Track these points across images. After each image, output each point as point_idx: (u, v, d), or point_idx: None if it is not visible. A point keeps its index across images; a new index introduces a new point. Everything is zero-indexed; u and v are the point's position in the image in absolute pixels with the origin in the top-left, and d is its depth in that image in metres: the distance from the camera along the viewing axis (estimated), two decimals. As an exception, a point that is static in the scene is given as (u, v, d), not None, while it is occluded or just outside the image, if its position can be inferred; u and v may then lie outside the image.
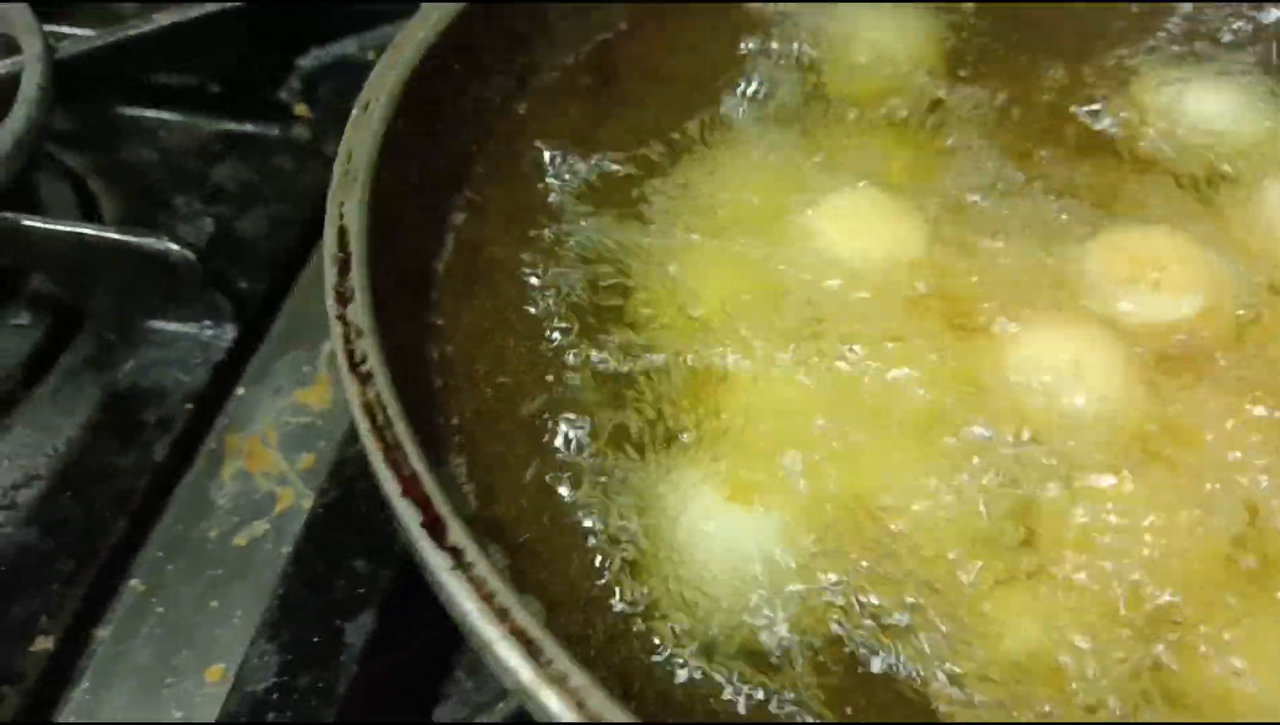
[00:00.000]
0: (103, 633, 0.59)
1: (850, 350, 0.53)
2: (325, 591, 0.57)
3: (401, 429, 0.39)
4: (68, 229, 0.67)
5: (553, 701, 0.33)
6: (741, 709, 0.42)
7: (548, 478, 0.50)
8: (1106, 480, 0.48)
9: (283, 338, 0.72)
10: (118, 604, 0.60)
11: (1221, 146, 0.63)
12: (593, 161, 0.61)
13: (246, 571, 0.62)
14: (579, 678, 0.33)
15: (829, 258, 0.57)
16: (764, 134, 0.64)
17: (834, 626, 0.45)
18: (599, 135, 0.62)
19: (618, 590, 0.46)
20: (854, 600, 0.45)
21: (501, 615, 0.34)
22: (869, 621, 0.45)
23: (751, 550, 0.47)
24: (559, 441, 0.51)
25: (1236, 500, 0.48)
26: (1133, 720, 0.42)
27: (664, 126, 0.64)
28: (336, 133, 0.52)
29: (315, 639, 0.55)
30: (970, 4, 0.72)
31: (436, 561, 0.36)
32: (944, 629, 0.45)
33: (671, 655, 0.44)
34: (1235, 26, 0.70)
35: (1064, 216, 0.59)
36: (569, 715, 0.32)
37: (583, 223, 0.58)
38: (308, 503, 0.62)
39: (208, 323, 0.70)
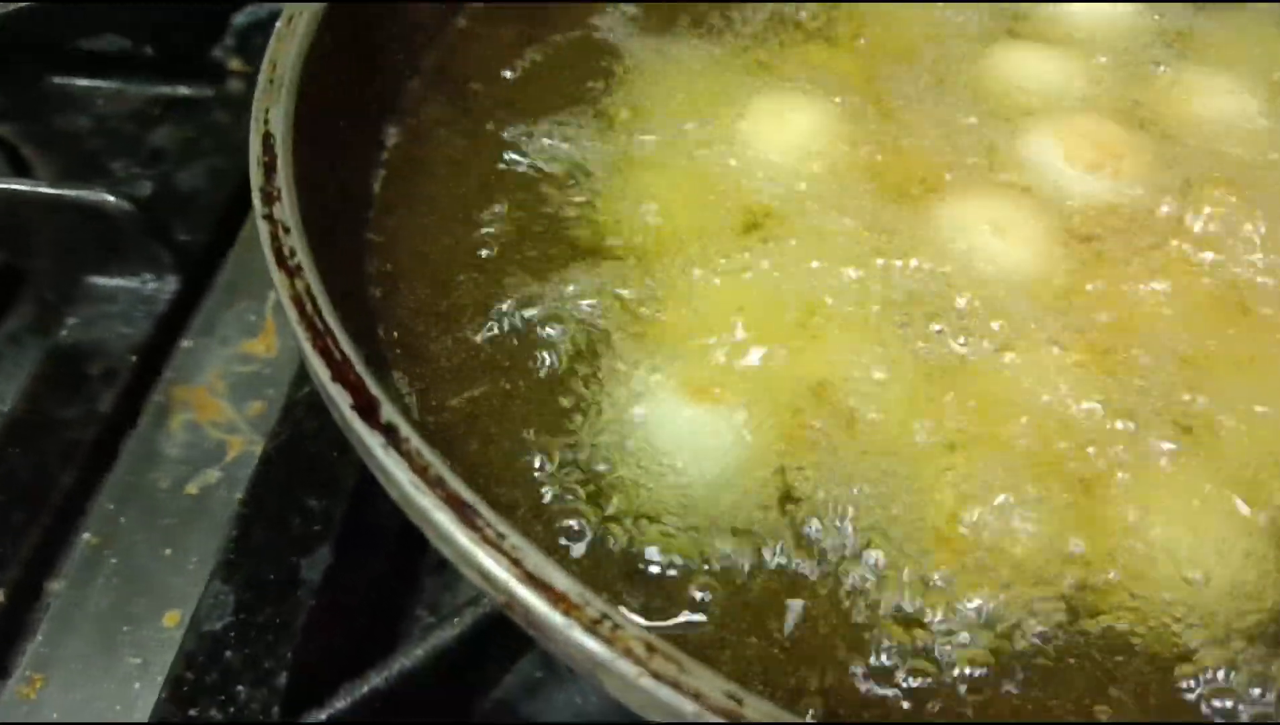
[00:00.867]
0: (57, 585, 0.59)
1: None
2: (280, 530, 0.57)
3: (330, 316, 0.38)
4: (1, 186, 0.66)
5: (490, 563, 0.33)
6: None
7: (488, 387, 0.49)
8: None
9: (228, 289, 0.71)
10: (72, 556, 0.59)
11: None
12: (523, 67, 0.60)
13: (200, 518, 0.61)
14: (516, 538, 0.33)
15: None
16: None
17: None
18: (531, 55, 0.62)
19: (558, 488, 0.46)
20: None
21: (436, 483, 0.34)
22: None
23: (702, 443, 0.47)
24: (502, 354, 0.51)
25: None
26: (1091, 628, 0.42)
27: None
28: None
29: (271, 577, 0.55)
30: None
31: (371, 441, 0.36)
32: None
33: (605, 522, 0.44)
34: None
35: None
36: (504, 573, 0.32)
37: (521, 138, 0.58)
38: (258, 450, 0.62)
39: (149, 276, 0.69)
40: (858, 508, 0.45)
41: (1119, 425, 0.47)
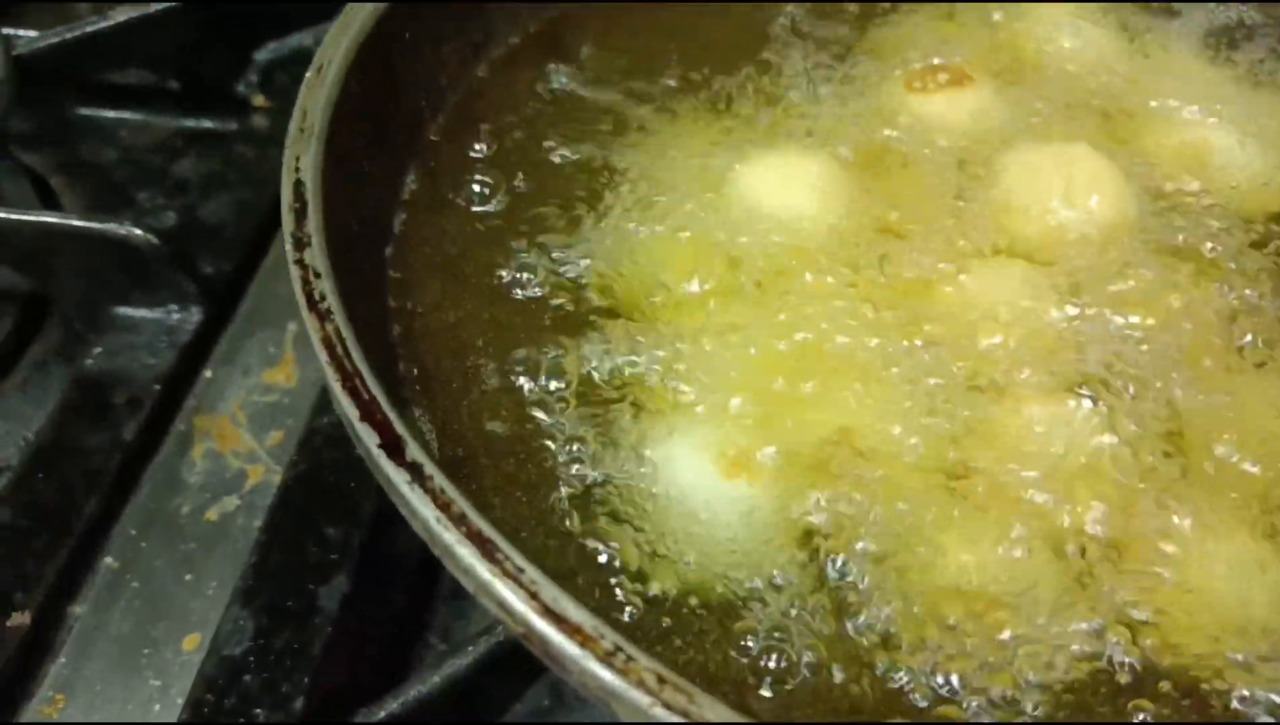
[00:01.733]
0: (79, 608, 0.60)
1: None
2: (298, 557, 0.58)
3: (358, 357, 0.40)
4: (31, 218, 0.68)
5: (509, 594, 0.34)
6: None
7: (509, 425, 0.51)
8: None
9: (250, 319, 0.73)
10: (94, 580, 0.61)
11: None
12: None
13: (220, 545, 0.62)
14: (534, 572, 0.35)
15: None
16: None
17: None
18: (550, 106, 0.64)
19: (575, 518, 0.47)
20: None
21: (459, 520, 0.36)
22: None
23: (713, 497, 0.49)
24: (521, 390, 0.52)
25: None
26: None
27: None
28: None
29: (289, 603, 0.56)
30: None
31: (397, 477, 0.37)
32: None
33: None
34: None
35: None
36: (522, 605, 0.34)
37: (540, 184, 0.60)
38: (278, 478, 0.63)
39: (173, 307, 0.70)
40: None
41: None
